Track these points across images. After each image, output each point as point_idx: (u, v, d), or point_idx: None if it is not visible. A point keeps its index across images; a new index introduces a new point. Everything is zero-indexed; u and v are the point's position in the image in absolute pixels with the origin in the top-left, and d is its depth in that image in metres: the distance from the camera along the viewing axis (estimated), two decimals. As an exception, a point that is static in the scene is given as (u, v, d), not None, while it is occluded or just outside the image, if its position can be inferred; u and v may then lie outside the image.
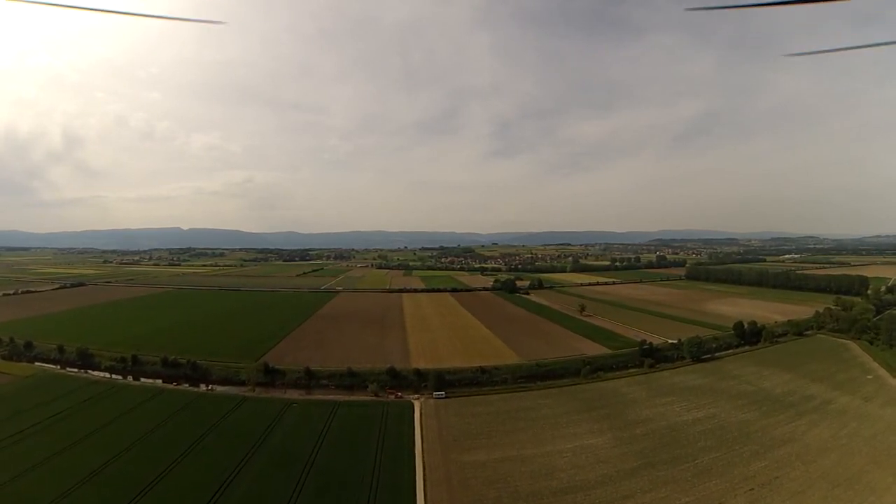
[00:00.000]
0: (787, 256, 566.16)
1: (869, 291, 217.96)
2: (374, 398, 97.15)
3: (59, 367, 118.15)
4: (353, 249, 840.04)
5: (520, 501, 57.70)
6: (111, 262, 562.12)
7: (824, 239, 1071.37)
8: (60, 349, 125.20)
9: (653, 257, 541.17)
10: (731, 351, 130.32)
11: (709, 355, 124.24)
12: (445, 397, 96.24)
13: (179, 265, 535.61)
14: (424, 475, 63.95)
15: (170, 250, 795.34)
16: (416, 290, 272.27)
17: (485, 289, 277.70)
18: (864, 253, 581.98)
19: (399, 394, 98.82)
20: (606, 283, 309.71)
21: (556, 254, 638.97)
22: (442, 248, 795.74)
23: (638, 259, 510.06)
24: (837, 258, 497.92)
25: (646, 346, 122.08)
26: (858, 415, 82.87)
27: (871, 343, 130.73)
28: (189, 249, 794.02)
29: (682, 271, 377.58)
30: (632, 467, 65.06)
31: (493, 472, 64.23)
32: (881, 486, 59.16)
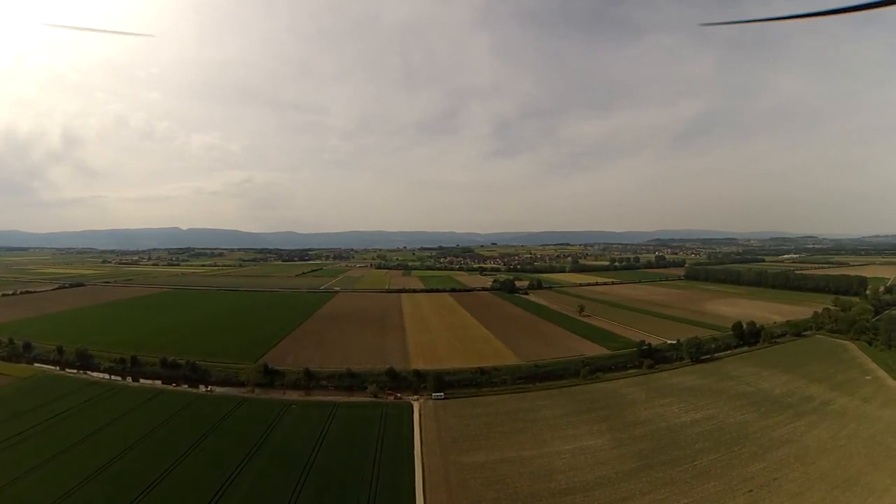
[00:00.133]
0: (786, 256, 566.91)
1: (867, 292, 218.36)
2: (373, 399, 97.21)
3: (58, 368, 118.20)
4: (352, 249, 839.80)
5: (519, 503, 57.85)
6: (110, 263, 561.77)
7: (823, 239, 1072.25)
8: (59, 350, 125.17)
9: (652, 257, 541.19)
10: (729, 351, 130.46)
11: (708, 356, 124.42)
12: (444, 398, 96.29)
13: (178, 265, 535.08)
14: (423, 476, 64.04)
15: (169, 250, 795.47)
16: (415, 291, 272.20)
17: (484, 289, 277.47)
18: (862, 253, 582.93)
19: (398, 395, 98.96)
20: (605, 284, 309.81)
21: (555, 254, 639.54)
22: (441, 248, 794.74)
23: (637, 259, 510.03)
24: (836, 258, 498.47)
25: (645, 347, 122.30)
26: (857, 416, 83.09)
27: (870, 343, 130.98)
28: (188, 249, 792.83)
29: (681, 271, 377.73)
30: (630, 469, 65.20)
31: (492, 474, 64.36)
32: (880, 488, 59.35)
